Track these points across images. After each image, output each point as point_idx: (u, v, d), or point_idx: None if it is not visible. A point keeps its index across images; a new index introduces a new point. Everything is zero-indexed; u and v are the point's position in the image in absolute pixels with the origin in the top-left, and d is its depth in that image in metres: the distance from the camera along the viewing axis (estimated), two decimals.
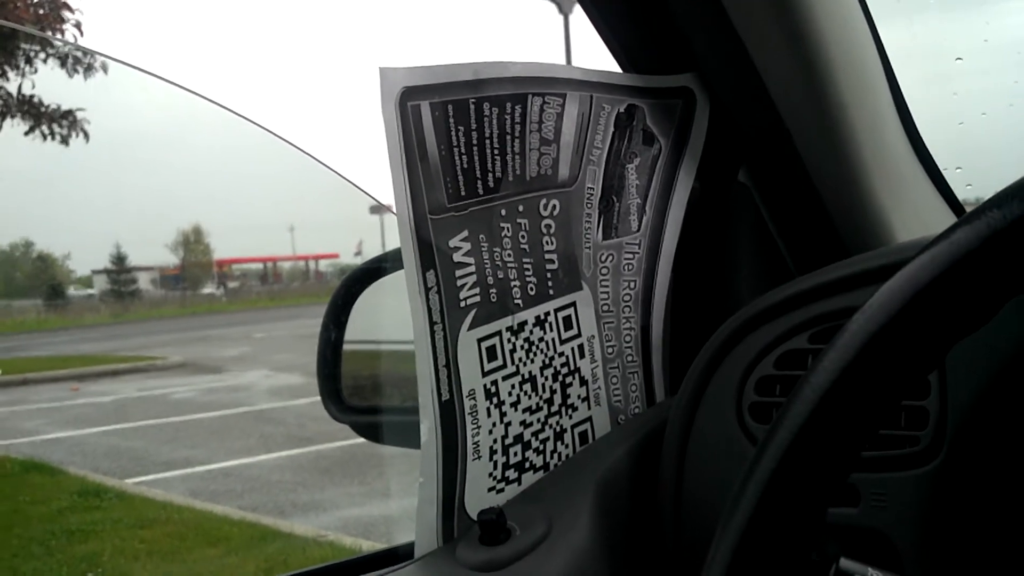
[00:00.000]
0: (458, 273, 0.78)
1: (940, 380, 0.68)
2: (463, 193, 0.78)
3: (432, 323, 0.76)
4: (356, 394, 1.13)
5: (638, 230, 0.90)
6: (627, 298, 0.91)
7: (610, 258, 0.89)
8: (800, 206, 0.89)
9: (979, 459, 0.67)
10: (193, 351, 16.01)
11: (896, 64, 0.89)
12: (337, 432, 7.65)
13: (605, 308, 0.90)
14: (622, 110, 0.86)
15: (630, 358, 0.92)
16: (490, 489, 0.82)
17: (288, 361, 12.82)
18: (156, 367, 14.28)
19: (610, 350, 0.90)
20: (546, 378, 0.85)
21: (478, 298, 0.79)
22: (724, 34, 0.80)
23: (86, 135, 4.84)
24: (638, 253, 0.90)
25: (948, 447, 0.67)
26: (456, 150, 0.77)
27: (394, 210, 0.74)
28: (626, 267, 0.90)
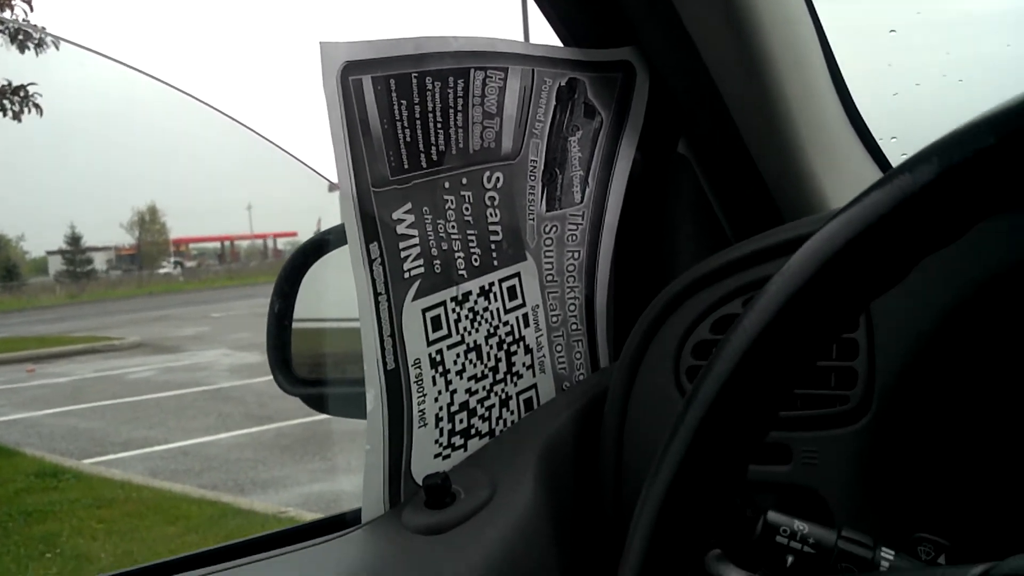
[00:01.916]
0: (402, 245, 0.79)
1: (868, 341, 0.71)
2: (406, 166, 0.79)
3: (376, 294, 0.78)
4: (308, 369, 1.14)
5: (581, 202, 0.92)
6: (571, 268, 0.93)
7: (554, 229, 0.91)
8: (737, 176, 0.91)
9: (907, 416, 0.69)
10: (150, 331, 15.88)
11: (831, 36, 0.91)
12: (297, 410, 7.65)
13: (549, 278, 0.91)
14: (563, 83, 0.87)
15: (574, 327, 0.94)
16: (436, 455, 0.83)
17: (247, 340, 12.76)
18: (113, 347, 14.15)
19: (555, 319, 0.92)
20: (491, 347, 0.86)
21: (422, 269, 0.81)
22: (662, 8, 0.81)
23: (39, 110, 4.76)
24: (581, 224, 0.92)
25: (876, 405, 0.70)
26: (399, 124, 0.78)
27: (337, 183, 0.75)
28: (570, 238, 0.92)
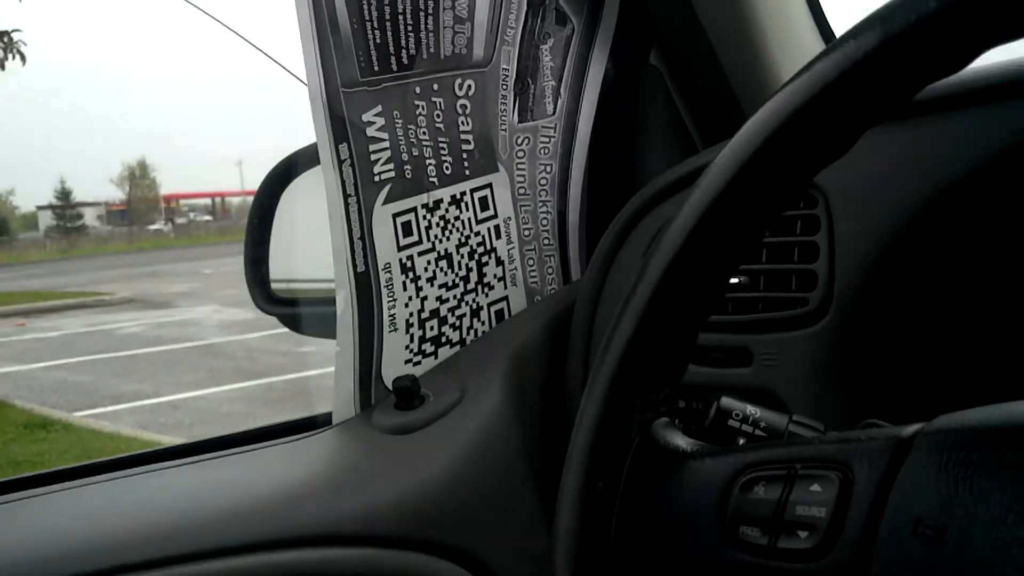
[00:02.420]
0: (372, 148, 0.79)
1: (829, 244, 0.71)
2: (376, 68, 0.79)
3: (346, 195, 0.78)
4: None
5: (553, 113, 0.92)
6: (543, 182, 0.93)
7: (526, 141, 0.91)
8: (708, 87, 0.91)
9: (864, 318, 0.70)
10: (141, 287, 15.85)
11: None
12: (287, 365, 7.69)
13: (522, 191, 0.92)
14: None
15: (547, 241, 0.94)
16: (407, 362, 0.84)
17: (237, 296, 12.70)
18: (104, 303, 14.14)
19: (527, 232, 0.92)
20: (462, 256, 0.87)
21: (392, 174, 0.81)
22: None
23: (23, 57, 4.73)
24: (554, 137, 0.92)
25: (835, 307, 0.71)
26: (368, 24, 0.78)
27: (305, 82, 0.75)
28: (542, 151, 0.92)
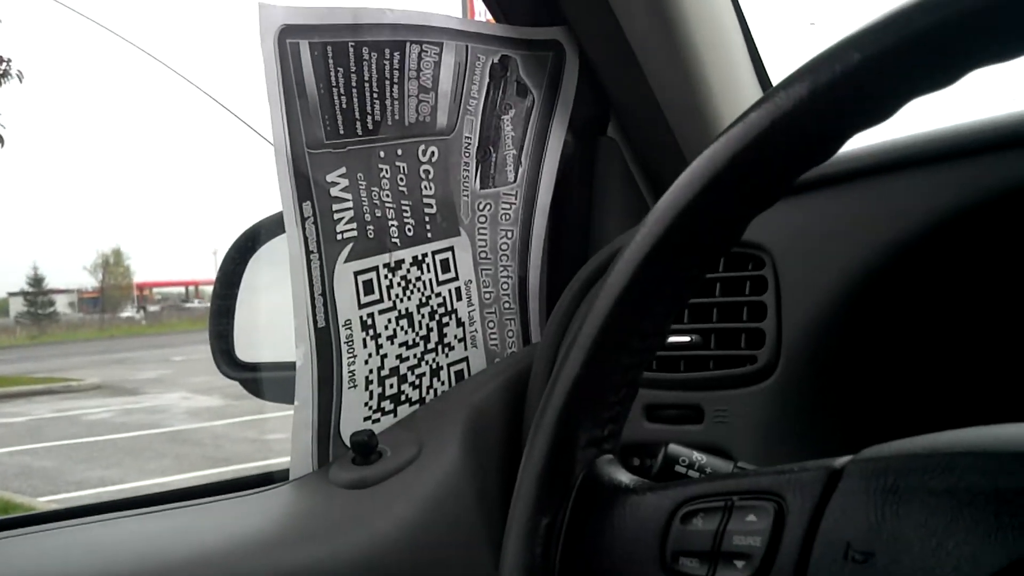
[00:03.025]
0: (335, 207, 0.81)
1: (776, 303, 0.74)
2: (342, 132, 0.82)
3: (308, 252, 0.80)
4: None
5: (515, 181, 0.94)
6: (504, 247, 0.95)
7: (488, 207, 0.93)
8: (664, 159, 0.95)
9: (813, 375, 0.72)
10: (110, 373, 15.67)
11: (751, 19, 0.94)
12: (254, 453, 7.59)
13: (483, 255, 0.94)
14: (496, 61, 0.90)
15: (507, 305, 0.96)
16: (366, 419, 0.85)
17: (207, 383, 12.60)
18: (71, 388, 13.96)
19: (487, 296, 0.94)
20: (423, 316, 0.89)
21: (355, 232, 0.83)
22: None
23: (1, 141, 4.77)
24: (515, 204, 0.95)
25: (783, 365, 0.72)
26: (335, 90, 0.81)
27: (271, 142, 0.78)
28: (503, 217, 0.95)
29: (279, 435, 7.99)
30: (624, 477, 0.52)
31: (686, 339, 0.77)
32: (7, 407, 12.05)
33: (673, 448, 0.61)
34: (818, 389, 0.72)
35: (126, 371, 16.28)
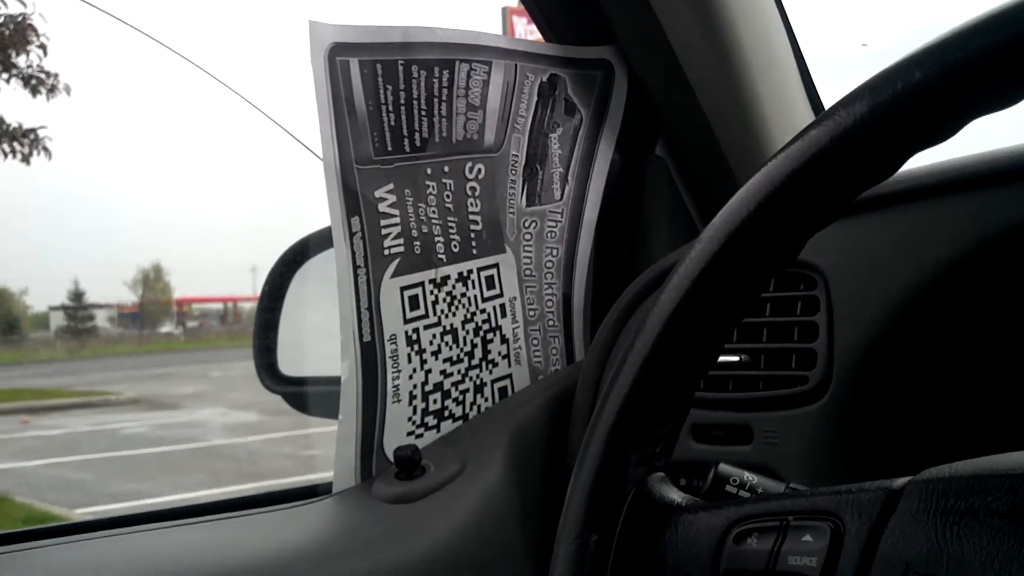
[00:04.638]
0: (382, 222, 0.82)
1: (828, 324, 0.73)
2: (390, 148, 0.82)
3: (356, 267, 0.80)
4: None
5: (561, 199, 0.95)
6: (549, 265, 0.95)
7: (533, 224, 0.94)
8: (713, 179, 0.94)
9: (864, 396, 0.71)
10: (148, 388, 15.85)
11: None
12: (289, 469, 7.63)
13: (528, 273, 0.94)
14: (545, 79, 0.91)
15: (551, 322, 0.96)
16: (409, 433, 0.85)
17: (244, 399, 12.71)
18: (109, 402, 14.13)
19: (532, 313, 0.94)
20: (467, 332, 0.89)
21: (402, 248, 0.83)
22: (639, 9, 0.85)
23: (48, 153, 4.86)
24: (561, 222, 0.95)
25: (834, 386, 0.72)
26: (384, 107, 0.81)
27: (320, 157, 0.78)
28: (549, 235, 0.95)
29: (315, 451, 8.04)
30: (676, 495, 0.51)
31: (735, 359, 0.77)
32: (45, 420, 12.22)
33: (724, 468, 0.61)
34: (870, 410, 0.71)
35: (164, 386, 16.46)
